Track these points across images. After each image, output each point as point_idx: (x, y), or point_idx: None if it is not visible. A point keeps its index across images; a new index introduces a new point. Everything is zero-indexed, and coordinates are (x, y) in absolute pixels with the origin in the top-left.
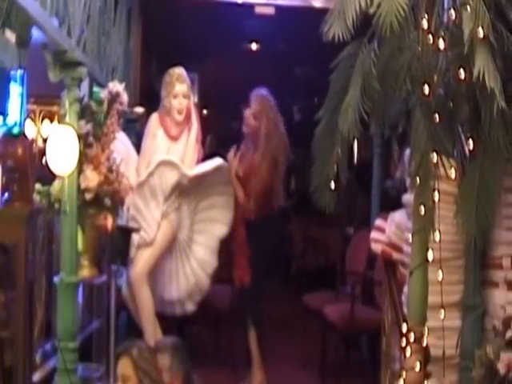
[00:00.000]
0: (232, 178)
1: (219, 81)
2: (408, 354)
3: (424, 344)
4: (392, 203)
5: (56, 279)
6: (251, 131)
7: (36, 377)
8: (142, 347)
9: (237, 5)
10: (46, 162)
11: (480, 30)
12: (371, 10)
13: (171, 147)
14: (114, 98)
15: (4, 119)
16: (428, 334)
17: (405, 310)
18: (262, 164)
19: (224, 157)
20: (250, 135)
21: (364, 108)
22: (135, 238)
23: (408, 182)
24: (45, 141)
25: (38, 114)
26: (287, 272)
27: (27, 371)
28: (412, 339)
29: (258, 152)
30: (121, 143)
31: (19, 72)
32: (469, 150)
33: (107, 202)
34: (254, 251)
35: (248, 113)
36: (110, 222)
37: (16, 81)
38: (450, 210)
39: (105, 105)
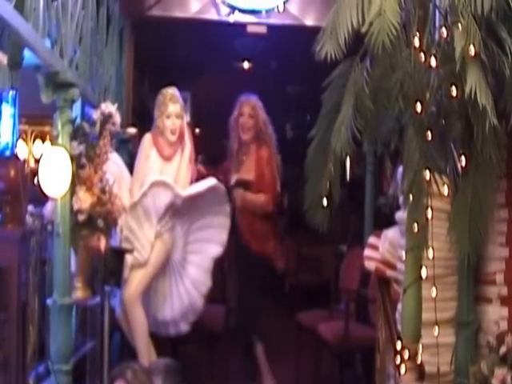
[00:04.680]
0: (247, 197)
1: (211, 100)
2: (403, 371)
3: (418, 361)
4: (385, 220)
5: (49, 301)
6: (252, 132)
7: None
8: (136, 369)
9: (229, 24)
10: (38, 182)
11: (471, 47)
12: (363, 29)
13: (164, 167)
14: (107, 118)
15: None
16: (422, 350)
17: (399, 327)
18: (273, 154)
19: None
20: (250, 136)
21: (357, 126)
22: (128, 258)
23: (401, 199)
24: (37, 161)
25: (29, 135)
26: (281, 290)
27: None
28: (406, 356)
29: (267, 145)
30: (114, 164)
31: (11, 93)
32: (461, 166)
33: (100, 223)
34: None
35: (243, 120)
36: (103, 243)
37: (8, 102)
38: (443, 227)
39: (97, 126)
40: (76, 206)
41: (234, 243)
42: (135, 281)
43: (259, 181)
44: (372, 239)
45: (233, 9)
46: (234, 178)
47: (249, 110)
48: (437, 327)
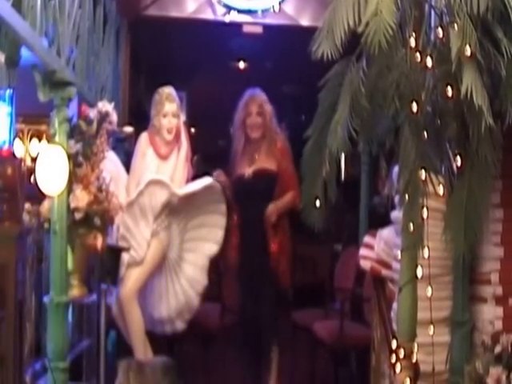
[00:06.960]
0: (278, 206)
1: (207, 99)
2: (398, 370)
3: (414, 360)
4: (380, 220)
5: (46, 299)
6: (262, 130)
7: None
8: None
9: (224, 24)
10: (35, 181)
11: (467, 47)
12: (359, 29)
13: (161, 166)
14: (104, 117)
15: None
16: (417, 349)
17: (394, 326)
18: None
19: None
20: (259, 134)
21: (353, 126)
22: (125, 257)
23: (396, 198)
24: (33, 160)
25: (26, 133)
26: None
27: None
28: (402, 355)
29: (279, 138)
30: (110, 162)
31: (8, 92)
32: (457, 166)
33: (97, 221)
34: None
35: (251, 119)
36: (99, 242)
37: (5, 100)
38: (438, 227)
39: (94, 124)
40: (73, 205)
41: (258, 254)
42: (131, 279)
43: (283, 172)
44: (367, 238)
45: (229, 9)
46: (249, 170)
47: (256, 108)
48: (432, 326)
